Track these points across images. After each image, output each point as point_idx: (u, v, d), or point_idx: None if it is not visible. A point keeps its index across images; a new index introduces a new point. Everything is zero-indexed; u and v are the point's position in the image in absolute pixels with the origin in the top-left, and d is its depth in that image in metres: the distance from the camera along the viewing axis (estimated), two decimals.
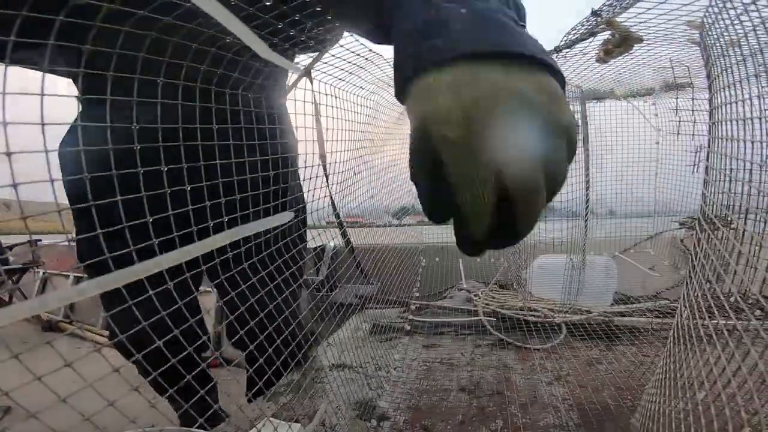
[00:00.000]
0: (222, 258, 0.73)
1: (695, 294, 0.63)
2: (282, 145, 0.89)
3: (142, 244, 0.57)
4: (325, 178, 1.08)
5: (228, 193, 0.71)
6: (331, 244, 2.10)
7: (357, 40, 0.93)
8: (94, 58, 0.53)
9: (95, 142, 0.56)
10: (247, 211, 0.75)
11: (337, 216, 1.28)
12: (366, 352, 1.42)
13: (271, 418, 0.86)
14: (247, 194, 0.76)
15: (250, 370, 1.15)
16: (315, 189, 0.97)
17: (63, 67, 0.66)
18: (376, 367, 1.32)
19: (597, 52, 1.11)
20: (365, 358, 1.37)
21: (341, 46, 0.94)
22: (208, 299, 2.44)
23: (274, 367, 0.81)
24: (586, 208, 1.84)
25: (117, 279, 0.32)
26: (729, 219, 0.62)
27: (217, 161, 0.70)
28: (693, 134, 1.73)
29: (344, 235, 1.42)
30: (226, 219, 0.68)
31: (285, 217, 0.58)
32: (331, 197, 1.13)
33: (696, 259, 0.68)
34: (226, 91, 0.71)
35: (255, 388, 1.18)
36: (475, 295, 1.99)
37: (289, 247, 0.88)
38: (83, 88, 0.57)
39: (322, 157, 1.06)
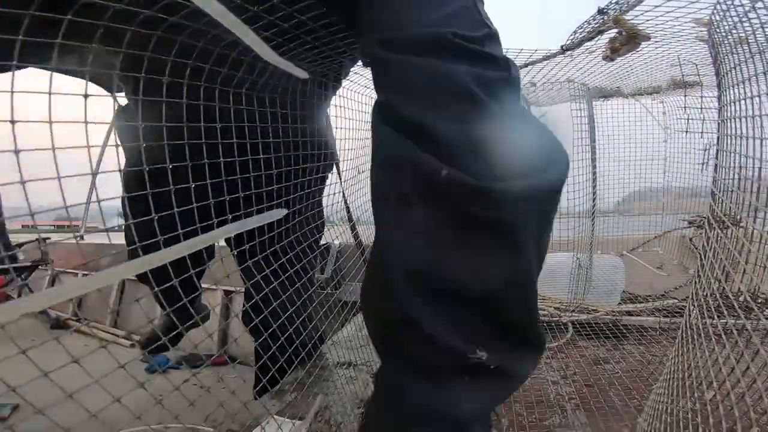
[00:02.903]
0: (250, 244, 0.75)
1: (704, 293, 0.63)
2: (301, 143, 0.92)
3: (167, 235, 0.58)
4: (337, 177, 1.09)
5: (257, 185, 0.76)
6: (336, 242, 2.10)
7: None
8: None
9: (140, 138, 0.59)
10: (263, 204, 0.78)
11: (348, 212, 1.28)
12: (371, 350, 1.42)
13: (275, 416, 0.87)
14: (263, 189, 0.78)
15: (254, 367, 1.16)
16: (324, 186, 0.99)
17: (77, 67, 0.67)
18: None
19: (604, 50, 1.11)
20: (370, 356, 1.37)
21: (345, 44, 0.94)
22: (214, 296, 2.45)
23: (281, 361, 0.82)
24: (593, 206, 1.83)
25: (133, 267, 0.32)
26: (738, 217, 0.61)
27: (273, 155, 0.72)
28: (702, 132, 1.71)
29: (353, 228, 1.42)
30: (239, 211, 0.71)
31: (282, 212, 0.59)
32: (344, 195, 1.14)
33: (705, 257, 0.67)
34: (251, 93, 0.72)
35: (260, 386, 1.19)
36: None
37: (310, 238, 0.91)
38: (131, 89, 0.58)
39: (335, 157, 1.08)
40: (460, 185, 0.38)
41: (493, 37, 0.48)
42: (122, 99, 0.90)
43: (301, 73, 0.64)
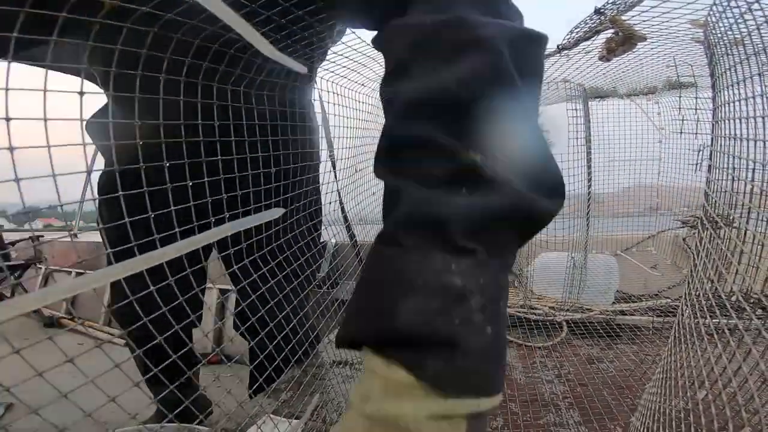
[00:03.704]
0: (235, 249, 0.74)
1: (697, 293, 0.63)
2: (300, 142, 0.90)
3: (149, 237, 0.57)
4: (333, 176, 1.09)
5: (242, 186, 0.74)
6: (333, 240, 2.10)
7: (359, 38, 0.93)
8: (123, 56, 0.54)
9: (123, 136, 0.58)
10: (252, 205, 0.76)
11: (343, 212, 1.28)
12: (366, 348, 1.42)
13: (271, 415, 0.87)
14: (248, 189, 0.77)
15: (251, 366, 1.16)
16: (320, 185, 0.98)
17: (69, 64, 0.67)
18: None
19: (600, 50, 1.11)
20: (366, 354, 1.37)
21: (343, 43, 0.94)
22: (209, 295, 2.44)
23: (277, 361, 0.81)
24: (588, 206, 1.83)
25: (123, 269, 0.32)
26: (731, 218, 0.62)
27: (241, 156, 0.71)
28: (696, 133, 1.72)
29: (348, 229, 1.42)
30: (227, 214, 0.70)
31: (278, 212, 0.59)
32: (339, 194, 1.14)
33: (698, 257, 0.68)
34: (227, 87, 0.71)
35: (256, 385, 1.19)
36: None
37: (304, 242, 0.90)
38: (113, 85, 0.57)
39: (331, 155, 1.07)
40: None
41: None
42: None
43: (300, 68, 0.63)
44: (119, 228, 0.56)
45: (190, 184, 0.65)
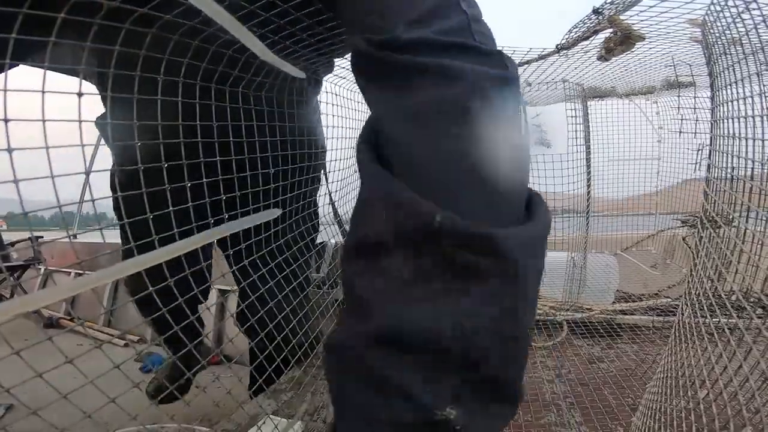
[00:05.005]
0: (235, 249, 0.74)
1: (697, 292, 0.63)
2: (299, 144, 0.91)
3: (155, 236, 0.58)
4: (332, 178, 1.09)
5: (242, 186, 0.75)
6: (333, 241, 2.10)
7: None
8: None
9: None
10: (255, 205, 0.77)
11: (336, 213, 1.28)
12: None
13: (271, 416, 0.87)
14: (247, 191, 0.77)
15: (251, 367, 1.16)
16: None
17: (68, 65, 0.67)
18: None
19: (599, 50, 1.11)
20: None
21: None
22: (210, 296, 2.43)
23: (276, 362, 0.81)
24: (588, 205, 1.83)
25: (135, 264, 0.32)
26: (731, 217, 0.62)
27: (237, 156, 0.71)
28: (695, 132, 1.72)
29: (340, 225, 1.42)
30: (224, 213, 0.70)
31: (276, 212, 0.59)
32: (330, 195, 1.14)
33: (698, 257, 0.68)
34: (237, 90, 0.71)
35: (256, 385, 1.19)
36: None
37: (303, 243, 0.91)
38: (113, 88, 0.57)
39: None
40: (456, 233, 0.31)
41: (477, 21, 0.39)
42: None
43: (298, 73, 0.63)
44: (136, 222, 0.57)
45: (189, 184, 0.65)
